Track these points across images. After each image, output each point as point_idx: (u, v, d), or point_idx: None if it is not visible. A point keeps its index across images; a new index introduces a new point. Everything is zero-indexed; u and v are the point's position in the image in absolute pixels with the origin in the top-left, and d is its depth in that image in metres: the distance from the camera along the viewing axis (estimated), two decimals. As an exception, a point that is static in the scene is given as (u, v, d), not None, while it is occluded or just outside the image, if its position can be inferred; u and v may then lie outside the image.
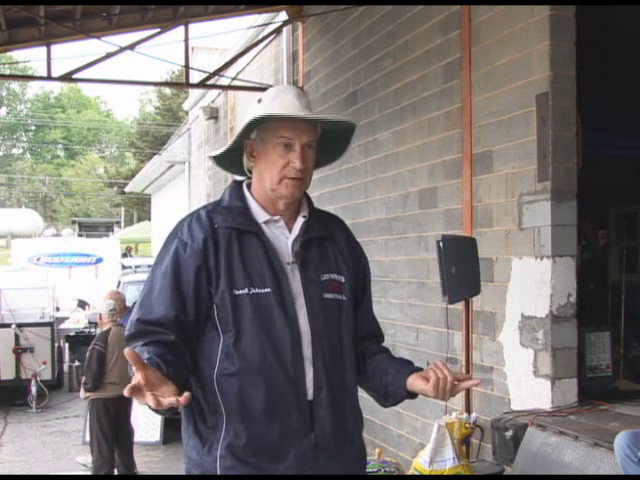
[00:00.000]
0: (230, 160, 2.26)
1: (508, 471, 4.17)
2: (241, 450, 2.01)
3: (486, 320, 4.96)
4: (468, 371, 4.62)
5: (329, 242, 2.22)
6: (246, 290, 2.04)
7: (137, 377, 1.78)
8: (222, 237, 2.08)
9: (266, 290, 2.05)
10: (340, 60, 7.45)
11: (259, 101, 2.15)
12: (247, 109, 2.18)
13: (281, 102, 2.11)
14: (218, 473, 2.02)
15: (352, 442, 2.16)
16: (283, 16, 8.74)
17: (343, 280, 2.18)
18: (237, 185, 2.21)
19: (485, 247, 4.83)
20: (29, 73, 36.89)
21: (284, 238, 2.14)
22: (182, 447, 2.17)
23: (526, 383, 4.55)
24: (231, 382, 2.02)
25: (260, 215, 2.15)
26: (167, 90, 40.09)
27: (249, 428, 2.01)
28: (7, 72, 30.82)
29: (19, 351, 9.76)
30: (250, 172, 2.21)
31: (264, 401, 2.02)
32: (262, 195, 2.16)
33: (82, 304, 13.18)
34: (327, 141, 2.22)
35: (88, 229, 22.16)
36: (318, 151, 2.19)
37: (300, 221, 2.17)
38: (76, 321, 11.69)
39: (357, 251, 2.30)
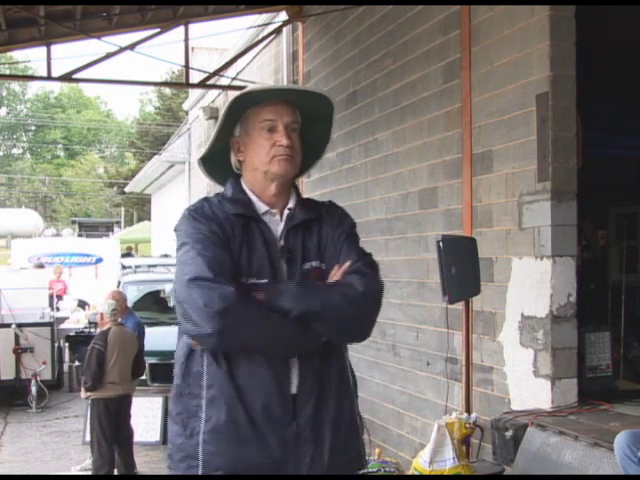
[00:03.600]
0: (217, 162, 2.32)
1: (508, 471, 4.17)
2: (224, 436, 2.05)
3: (486, 320, 4.96)
4: (468, 371, 4.62)
5: (315, 226, 2.25)
6: (244, 279, 2.09)
7: None
8: (233, 224, 2.15)
9: (263, 281, 2.11)
10: (340, 60, 7.45)
11: None
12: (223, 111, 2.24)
13: (258, 87, 2.19)
14: (200, 457, 2.06)
15: (338, 430, 2.16)
16: (283, 16, 8.74)
17: (324, 267, 2.21)
18: (236, 179, 2.27)
19: (485, 247, 4.83)
20: (29, 73, 36.90)
21: (276, 232, 2.21)
22: None
23: (526, 383, 4.55)
24: (219, 368, 2.06)
25: (259, 206, 2.22)
26: (167, 90, 40.06)
27: (232, 415, 2.04)
28: (7, 72, 30.81)
29: (19, 351, 9.75)
30: (238, 169, 2.29)
31: (248, 388, 2.05)
32: (255, 184, 2.23)
33: (82, 304, 13.18)
34: (308, 139, 2.28)
35: (88, 229, 22.17)
36: (302, 153, 2.25)
37: (286, 213, 2.24)
38: (76, 321, 11.68)
39: (341, 223, 2.28)
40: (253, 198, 2.22)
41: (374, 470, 4.43)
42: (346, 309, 2.08)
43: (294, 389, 2.10)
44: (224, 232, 2.11)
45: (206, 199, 2.23)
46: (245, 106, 2.19)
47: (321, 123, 2.32)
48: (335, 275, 2.15)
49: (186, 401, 2.11)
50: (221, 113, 2.20)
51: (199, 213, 2.15)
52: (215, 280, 1.99)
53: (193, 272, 2.02)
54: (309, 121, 2.28)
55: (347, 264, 2.15)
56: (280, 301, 2.02)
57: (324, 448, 2.13)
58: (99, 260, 16.78)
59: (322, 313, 2.05)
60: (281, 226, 2.21)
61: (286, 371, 2.09)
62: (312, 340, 2.07)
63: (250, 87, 2.22)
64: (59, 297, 12.89)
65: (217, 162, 2.32)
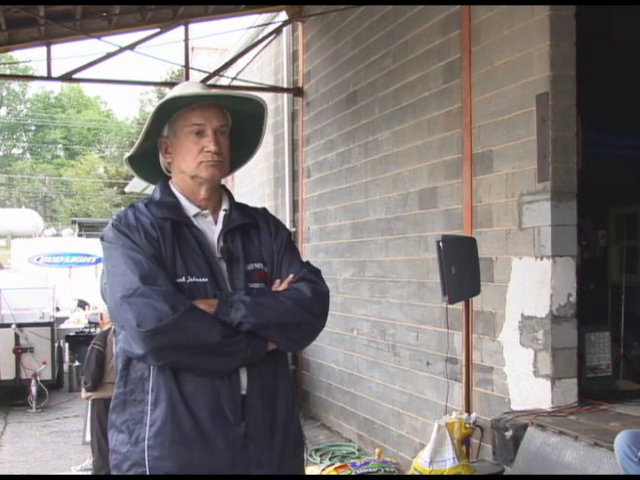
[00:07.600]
0: (149, 162, 2.29)
1: (508, 471, 4.16)
2: (169, 439, 2.01)
3: (486, 320, 4.96)
4: (468, 371, 4.63)
5: (253, 230, 2.26)
6: (184, 279, 2.07)
7: None
8: (162, 227, 2.12)
9: (204, 280, 2.09)
10: (340, 60, 7.45)
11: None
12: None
13: (187, 92, 2.16)
14: (146, 464, 2.02)
15: (284, 434, 2.16)
16: (283, 16, 8.74)
17: (267, 270, 2.21)
18: (165, 182, 2.25)
19: (485, 247, 4.83)
20: (29, 73, 36.85)
21: (211, 233, 2.19)
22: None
23: (526, 383, 4.55)
24: (163, 370, 2.03)
25: (190, 209, 2.20)
26: (167, 90, 40.05)
27: (175, 416, 2.01)
28: (7, 72, 30.79)
29: (19, 351, 9.75)
30: (168, 171, 2.26)
31: (196, 389, 2.03)
32: (185, 187, 2.20)
33: (82, 304, 13.19)
34: (240, 135, 2.27)
35: (88, 229, 22.18)
36: (233, 149, 2.24)
37: (221, 215, 2.22)
38: (76, 321, 11.69)
39: (278, 232, 2.30)
40: (183, 201, 2.19)
41: (374, 470, 4.42)
42: (298, 315, 2.09)
43: (243, 390, 2.08)
44: (151, 238, 2.07)
45: (132, 205, 2.19)
46: (174, 107, 2.15)
47: (253, 122, 2.28)
48: (281, 286, 2.15)
49: (131, 408, 2.07)
50: (150, 112, 2.15)
51: (123, 223, 2.10)
52: (149, 297, 1.95)
53: (124, 289, 1.98)
54: (240, 120, 2.25)
55: (291, 276, 2.17)
56: (231, 313, 2.01)
57: (274, 452, 2.11)
58: (99, 260, 16.74)
59: (276, 322, 2.05)
60: (218, 227, 2.20)
61: (236, 371, 2.07)
62: (257, 351, 2.05)
63: (178, 91, 2.17)
64: None
65: (149, 162, 2.28)
